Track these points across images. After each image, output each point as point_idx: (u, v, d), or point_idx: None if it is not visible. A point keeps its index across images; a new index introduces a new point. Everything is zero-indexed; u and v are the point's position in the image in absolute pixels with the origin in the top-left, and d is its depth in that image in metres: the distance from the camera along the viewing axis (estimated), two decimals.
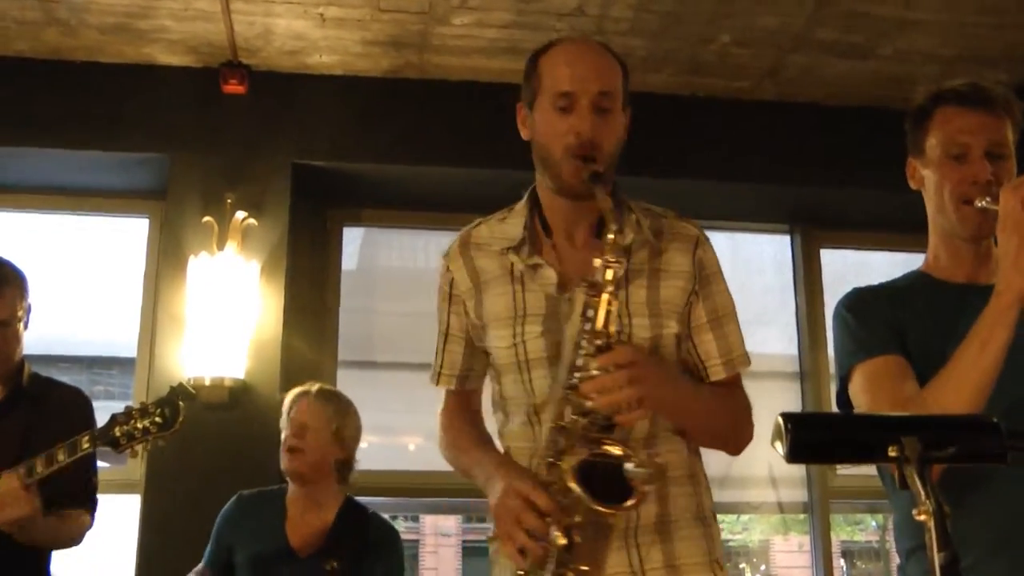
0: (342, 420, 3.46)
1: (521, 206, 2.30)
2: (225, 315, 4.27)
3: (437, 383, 2.39)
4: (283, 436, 3.42)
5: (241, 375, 4.29)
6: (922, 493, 1.16)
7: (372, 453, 4.22)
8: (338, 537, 3.35)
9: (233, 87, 4.54)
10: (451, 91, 4.64)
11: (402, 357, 4.84)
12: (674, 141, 4.63)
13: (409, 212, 4.98)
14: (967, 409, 1.91)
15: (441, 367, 2.37)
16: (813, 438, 1.27)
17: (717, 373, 2.26)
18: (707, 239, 2.31)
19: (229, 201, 4.40)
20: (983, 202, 2.08)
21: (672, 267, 2.24)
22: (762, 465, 4.99)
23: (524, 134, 2.27)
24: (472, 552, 18.65)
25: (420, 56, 4.43)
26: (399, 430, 4.88)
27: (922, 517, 1.15)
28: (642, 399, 1.98)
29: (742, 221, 5.20)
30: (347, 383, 4.44)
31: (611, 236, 2.03)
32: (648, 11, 4.14)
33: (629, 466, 1.94)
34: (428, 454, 4.25)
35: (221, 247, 4.35)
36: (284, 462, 3.38)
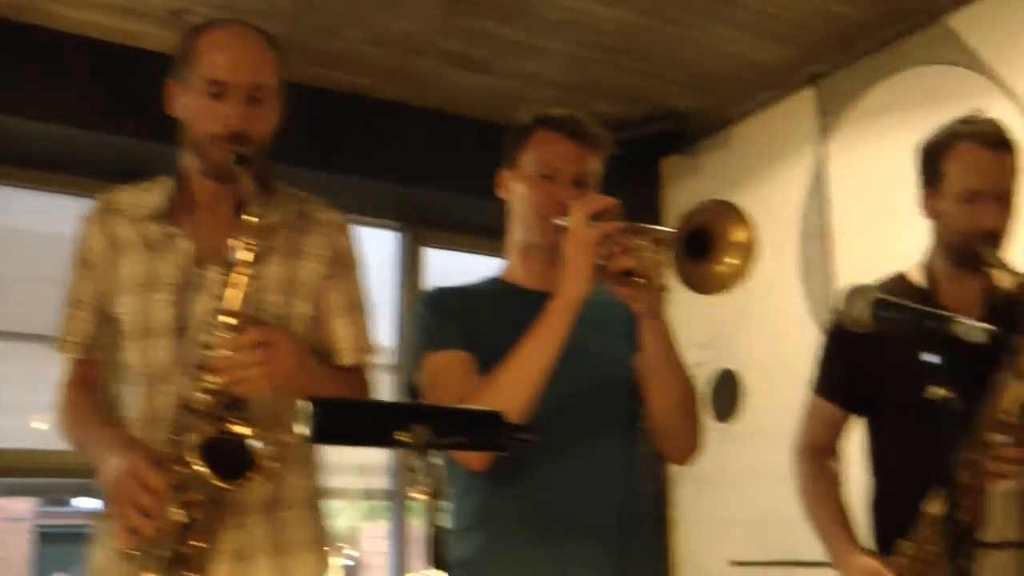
0: None
1: (166, 178, 2.26)
2: None
3: (62, 351, 2.28)
4: None
5: None
6: (424, 474, 1.23)
7: None
8: None
9: None
10: (74, 45, 4.38)
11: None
12: (291, 128, 4.53)
13: (32, 171, 4.59)
14: (521, 400, 2.07)
15: (66, 334, 2.27)
16: (334, 422, 1.33)
17: (347, 358, 2.31)
18: (349, 227, 2.36)
19: None
20: (561, 220, 2.21)
21: (311, 250, 2.27)
22: (352, 453, 5.09)
23: (173, 110, 2.23)
24: (50, 538, 17.00)
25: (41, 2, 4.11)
26: None
27: (420, 496, 1.23)
28: (271, 378, 2.01)
29: (352, 214, 5.19)
30: None
31: (248, 218, 2.04)
32: None
33: (255, 443, 1.97)
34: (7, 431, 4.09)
35: None
36: None
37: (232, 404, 2.02)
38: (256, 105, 2.16)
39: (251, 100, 2.15)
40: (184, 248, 2.19)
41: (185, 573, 1.99)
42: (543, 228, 2.30)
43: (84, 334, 2.27)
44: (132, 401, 2.21)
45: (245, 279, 2.03)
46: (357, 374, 2.34)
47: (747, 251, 2.02)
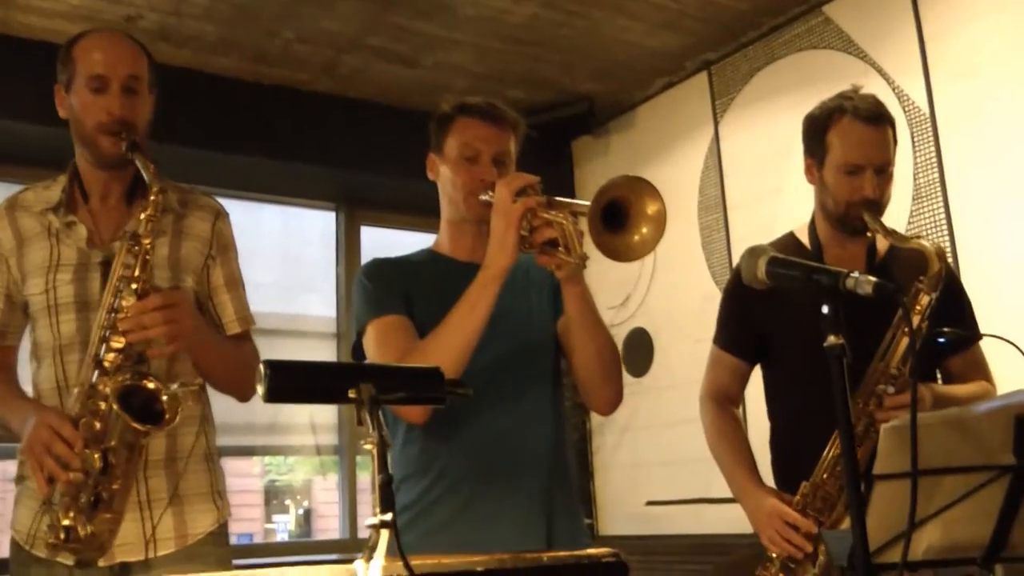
0: None
1: (63, 176, 2.32)
2: None
3: None
4: None
5: None
6: (371, 427, 1.23)
7: None
8: None
9: None
10: (32, 49, 4.30)
11: None
12: (236, 121, 4.55)
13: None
14: (456, 359, 2.08)
15: None
16: (287, 382, 1.32)
17: (233, 328, 2.41)
18: (227, 214, 2.45)
19: None
20: (486, 195, 2.23)
21: (193, 231, 2.35)
22: (304, 413, 5.08)
23: (62, 114, 2.28)
24: None
25: (5, 12, 4.06)
26: None
27: (368, 446, 1.23)
28: (175, 337, 2.09)
29: (294, 197, 5.23)
30: None
31: (154, 196, 2.13)
32: (223, 1, 4.06)
33: (174, 387, 2.02)
34: None
35: None
36: None
37: (138, 361, 2.07)
38: (133, 96, 2.22)
39: (128, 91, 2.21)
40: (79, 232, 2.25)
41: (103, 514, 2.01)
42: (470, 204, 2.31)
43: None
44: (45, 375, 2.24)
45: (149, 250, 2.10)
46: (244, 340, 2.44)
47: (658, 222, 2.03)
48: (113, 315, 2.07)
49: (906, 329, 2.28)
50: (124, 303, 2.06)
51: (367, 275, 2.37)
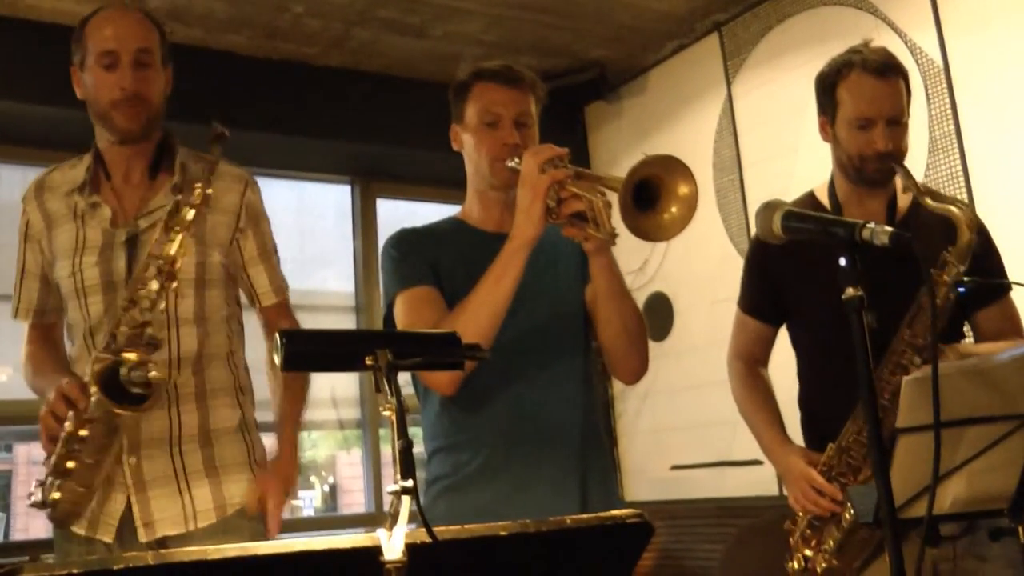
0: None
1: (87, 155, 2.30)
2: None
3: (16, 317, 2.35)
4: None
5: None
6: (389, 393, 1.22)
7: None
8: None
9: None
10: (41, 31, 4.29)
11: None
12: (249, 97, 4.53)
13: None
14: (485, 330, 2.08)
15: (20, 302, 2.34)
16: (304, 350, 1.32)
17: (268, 299, 2.39)
18: (255, 183, 2.39)
19: None
20: (512, 162, 2.22)
21: (220, 204, 2.30)
22: (326, 387, 5.09)
23: (79, 94, 2.27)
24: None
25: None
26: None
27: (387, 412, 1.22)
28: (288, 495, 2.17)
29: (308, 172, 5.21)
30: None
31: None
32: None
33: (123, 371, 1.98)
34: (20, 384, 4.03)
35: None
36: None
37: (149, 344, 2.06)
38: (145, 69, 2.20)
39: (139, 65, 2.19)
40: (103, 213, 2.24)
41: (74, 485, 2.02)
42: (495, 170, 2.30)
43: (34, 302, 2.34)
44: (77, 355, 2.26)
45: (183, 230, 2.09)
46: (282, 313, 2.43)
47: (689, 203, 2.01)
48: (139, 288, 2.06)
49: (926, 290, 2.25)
50: (148, 278, 2.06)
51: (394, 245, 2.36)
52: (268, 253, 2.41)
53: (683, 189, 1.99)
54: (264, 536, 2.26)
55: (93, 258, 2.21)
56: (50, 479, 2.02)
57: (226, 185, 2.33)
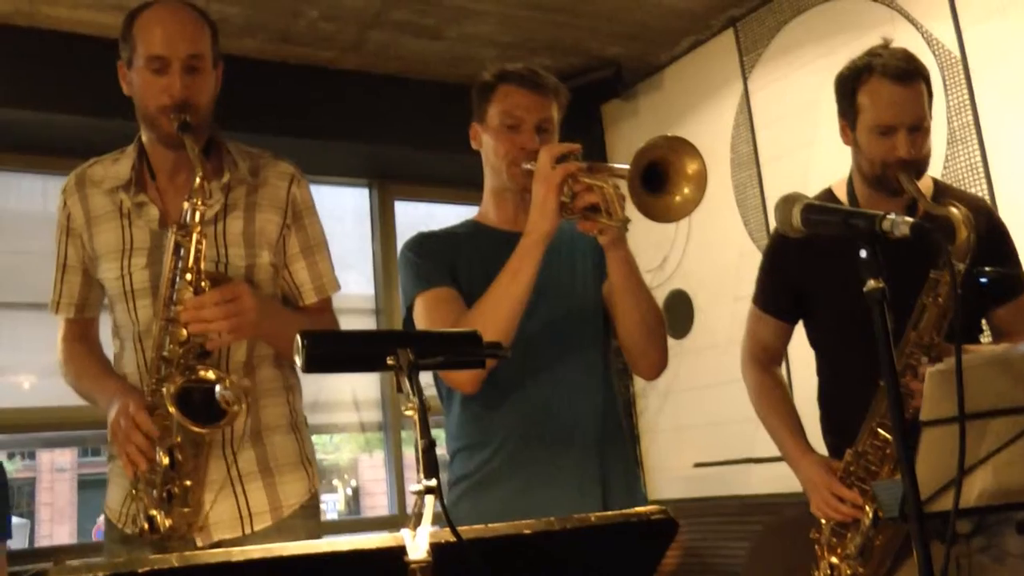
0: None
1: (131, 149, 2.25)
2: None
3: (56, 312, 2.30)
4: None
5: None
6: (411, 392, 1.22)
7: None
8: None
9: None
10: (60, 41, 4.31)
11: (8, 297, 4.49)
12: (265, 102, 4.55)
13: (15, 155, 4.47)
14: (503, 327, 2.09)
15: (60, 296, 2.29)
16: (325, 351, 1.31)
17: (309, 297, 2.33)
18: (302, 176, 2.34)
19: None
20: (528, 164, 2.22)
21: (267, 201, 2.27)
22: (347, 390, 5.10)
23: (126, 90, 2.21)
24: (87, 484, 17.39)
25: (31, 5, 4.06)
26: (8, 368, 4.56)
27: (409, 412, 1.21)
28: (237, 330, 2.04)
29: (325, 175, 5.20)
30: None
31: (198, 181, 2.05)
32: None
33: (219, 388, 1.97)
34: (42, 392, 4.06)
35: None
36: None
37: (201, 354, 2.04)
38: (195, 74, 2.13)
39: (189, 70, 2.12)
40: (151, 213, 2.20)
41: (180, 508, 2.03)
42: (512, 173, 2.31)
43: (75, 296, 2.29)
44: (128, 358, 2.23)
45: (201, 238, 2.05)
46: (320, 311, 2.36)
47: (699, 181, 2.01)
48: (173, 307, 2.03)
49: (935, 296, 2.24)
50: (182, 295, 2.03)
51: (413, 249, 2.37)
52: (311, 249, 2.33)
53: (691, 167, 2.00)
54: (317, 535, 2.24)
55: (142, 260, 2.17)
56: (154, 512, 2.02)
57: (273, 181, 2.30)
